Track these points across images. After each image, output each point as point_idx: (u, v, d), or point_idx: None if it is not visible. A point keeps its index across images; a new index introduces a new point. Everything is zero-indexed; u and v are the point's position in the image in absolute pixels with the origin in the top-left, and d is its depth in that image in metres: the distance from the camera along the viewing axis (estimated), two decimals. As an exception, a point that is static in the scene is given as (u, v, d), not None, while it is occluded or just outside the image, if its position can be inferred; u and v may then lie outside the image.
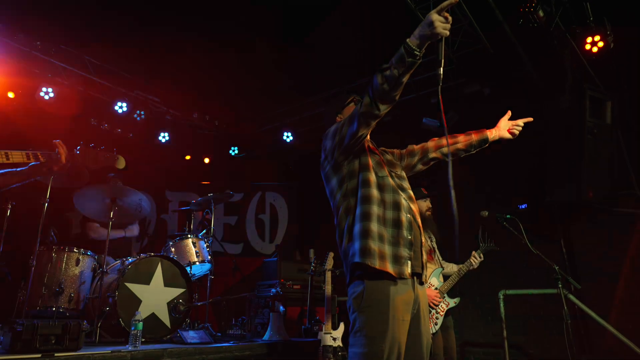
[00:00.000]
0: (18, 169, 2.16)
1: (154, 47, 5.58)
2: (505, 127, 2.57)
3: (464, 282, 4.60)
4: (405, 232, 2.03)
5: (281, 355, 3.46)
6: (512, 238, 3.85)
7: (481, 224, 4.26)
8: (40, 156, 2.18)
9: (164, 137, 6.79)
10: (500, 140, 2.57)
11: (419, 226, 2.14)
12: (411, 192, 2.25)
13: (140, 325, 2.92)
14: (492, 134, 2.54)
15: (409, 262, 2.01)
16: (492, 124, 6.01)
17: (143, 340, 3.01)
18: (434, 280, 3.91)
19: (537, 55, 4.79)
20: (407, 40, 1.79)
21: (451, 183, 1.71)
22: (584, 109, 4.58)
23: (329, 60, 5.80)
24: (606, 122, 4.68)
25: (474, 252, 3.99)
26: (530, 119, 2.64)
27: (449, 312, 3.92)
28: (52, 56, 5.41)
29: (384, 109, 1.93)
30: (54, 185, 3.75)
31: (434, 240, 4.15)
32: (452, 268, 4.03)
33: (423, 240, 2.15)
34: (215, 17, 5.21)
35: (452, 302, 3.90)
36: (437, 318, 3.77)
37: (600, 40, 4.05)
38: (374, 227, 2.00)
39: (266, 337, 3.71)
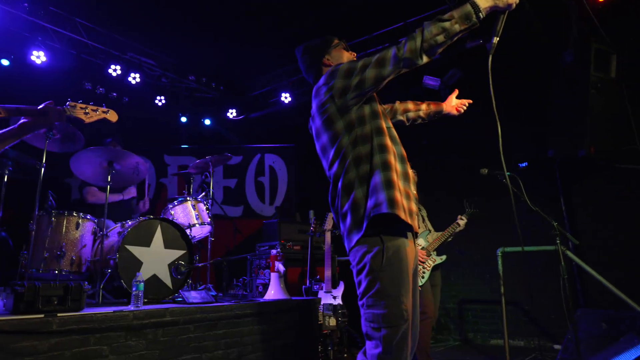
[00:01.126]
0: (7, 129, 2.14)
1: (147, 7, 5.42)
2: (453, 104, 2.62)
3: (463, 241, 4.64)
4: (412, 186, 2.00)
5: (282, 313, 3.52)
6: (512, 195, 3.85)
7: (467, 192, 4.32)
8: (29, 111, 2.16)
9: (160, 100, 6.71)
10: (448, 115, 2.61)
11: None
12: None
13: (142, 285, 2.95)
14: (444, 108, 2.58)
15: (416, 217, 1.99)
16: (495, 79, 5.89)
17: (145, 300, 3.05)
18: (421, 241, 4.02)
19: (542, 6, 4.63)
20: (477, 0, 1.77)
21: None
22: (588, 62, 4.47)
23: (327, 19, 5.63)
24: (610, 75, 4.57)
25: (459, 216, 4.08)
26: (470, 101, 2.76)
27: (437, 267, 4.01)
28: (41, 18, 5.26)
29: (424, 61, 1.85)
30: (50, 150, 3.72)
31: (422, 210, 4.21)
32: (437, 234, 4.13)
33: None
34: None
35: (439, 259, 4.01)
36: (424, 272, 3.88)
37: (607, -12, 3.89)
38: (395, 177, 1.90)
39: (267, 296, 3.77)
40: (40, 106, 2.20)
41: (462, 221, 4.07)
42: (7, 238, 4.34)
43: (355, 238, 1.89)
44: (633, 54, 4.69)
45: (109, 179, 3.76)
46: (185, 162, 6.67)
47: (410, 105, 2.51)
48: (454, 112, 2.59)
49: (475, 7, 1.78)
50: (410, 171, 2.05)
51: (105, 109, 2.58)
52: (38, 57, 5.41)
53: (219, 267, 4.89)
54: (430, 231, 4.11)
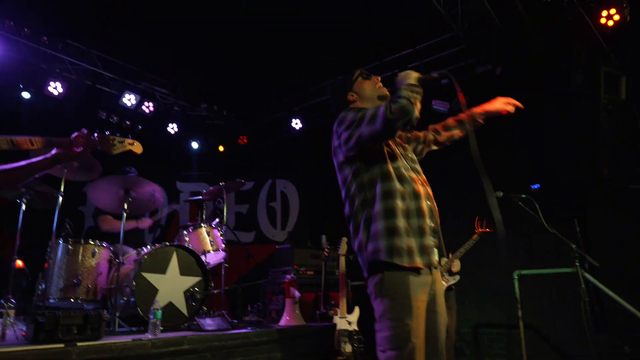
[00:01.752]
0: (39, 159, 2.16)
1: (160, 39, 5.57)
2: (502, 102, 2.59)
3: (477, 263, 4.60)
4: (428, 221, 2.02)
5: (297, 339, 3.49)
6: (527, 218, 3.83)
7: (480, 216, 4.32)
8: (56, 142, 2.18)
9: (172, 128, 6.81)
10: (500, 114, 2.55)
11: (436, 210, 2.12)
12: (423, 176, 2.22)
13: (159, 313, 2.95)
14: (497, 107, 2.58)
15: (435, 250, 2.02)
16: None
17: (162, 328, 3.05)
18: None
19: (549, 32, 4.70)
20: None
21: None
22: (598, 85, 4.50)
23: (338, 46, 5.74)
24: (621, 97, 4.59)
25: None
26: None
27: (450, 289, 3.97)
28: (59, 51, 5.42)
29: (416, 115, 1.99)
30: (67, 179, 3.78)
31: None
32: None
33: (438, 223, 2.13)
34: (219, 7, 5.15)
35: (452, 280, 3.96)
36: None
37: (616, 13, 3.95)
38: (400, 222, 1.96)
39: (282, 322, 3.74)
40: (73, 136, 2.20)
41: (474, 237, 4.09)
42: (24, 267, 4.36)
43: (366, 273, 2.04)
44: (640, 77, 4.72)
45: (125, 207, 3.79)
46: (196, 189, 6.72)
47: (449, 120, 2.54)
48: (509, 109, 2.57)
49: (411, 82, 2.04)
50: (425, 205, 2.05)
51: (131, 141, 2.58)
52: (55, 88, 5.54)
53: (234, 294, 4.87)
54: (442, 257, 4.09)
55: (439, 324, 2.01)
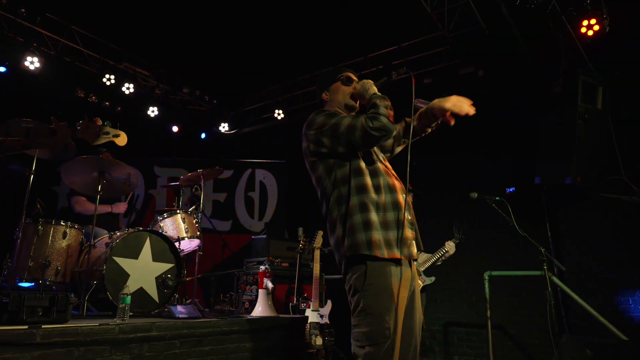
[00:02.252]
0: (16, 138, 2.09)
1: (143, 19, 5.45)
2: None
3: (450, 263, 4.67)
4: (406, 213, 2.04)
5: (268, 331, 3.49)
6: (499, 220, 3.91)
7: (456, 216, 4.38)
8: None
9: (152, 111, 6.69)
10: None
11: (411, 204, 2.15)
12: (394, 172, 2.26)
13: (129, 299, 2.91)
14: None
15: (414, 243, 2.05)
16: (486, 106, 6.00)
17: (131, 314, 3.00)
18: None
19: (532, 38, 4.78)
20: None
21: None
22: (576, 93, 4.59)
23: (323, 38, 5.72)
24: (597, 107, 4.70)
25: (447, 241, 4.13)
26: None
27: (424, 289, 4.04)
28: (37, 24, 5.25)
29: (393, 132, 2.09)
30: (39, 157, 3.69)
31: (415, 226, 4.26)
32: (424, 256, 4.16)
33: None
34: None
35: (428, 280, 4.03)
36: None
37: (596, 23, 4.04)
38: (374, 216, 1.98)
39: (254, 313, 3.73)
40: (52, 125, 2.11)
41: (449, 245, 4.10)
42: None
43: (344, 269, 2.05)
44: (617, 88, 4.84)
45: (99, 189, 3.71)
46: (175, 174, 6.62)
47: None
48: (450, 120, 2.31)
49: (375, 93, 2.15)
50: (401, 198, 2.08)
51: (117, 132, 2.44)
52: (32, 62, 5.38)
53: (207, 282, 4.84)
54: (420, 251, 4.15)
55: (415, 321, 2.04)
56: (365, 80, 2.23)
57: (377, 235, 1.95)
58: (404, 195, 2.10)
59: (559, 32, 4.40)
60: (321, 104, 2.39)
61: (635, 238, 4.81)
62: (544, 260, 3.32)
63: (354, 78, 2.35)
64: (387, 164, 2.28)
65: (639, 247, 4.77)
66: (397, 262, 1.97)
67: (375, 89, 2.16)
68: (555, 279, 4.27)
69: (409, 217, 2.07)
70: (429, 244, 4.34)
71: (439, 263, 4.11)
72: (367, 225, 1.96)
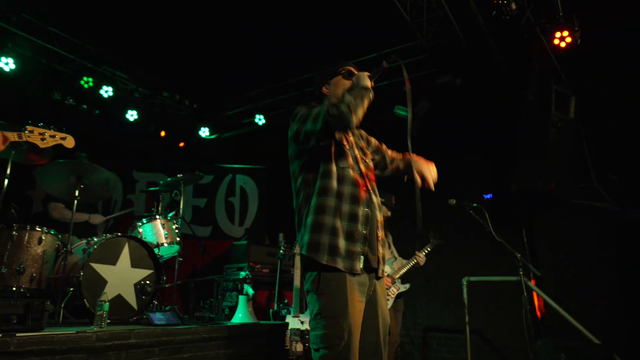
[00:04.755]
0: None
1: (122, 22, 5.39)
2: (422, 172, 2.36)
3: (429, 269, 4.74)
4: (360, 227, 2.03)
5: (248, 337, 3.48)
6: (477, 226, 3.99)
7: (435, 222, 4.45)
8: None
9: (132, 115, 6.61)
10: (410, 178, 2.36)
11: (377, 220, 2.11)
12: (374, 185, 2.23)
13: (106, 306, 2.87)
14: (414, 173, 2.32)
15: (361, 257, 2.00)
16: (463, 114, 6.13)
17: (109, 321, 2.96)
18: (387, 268, 4.06)
19: (507, 48, 4.91)
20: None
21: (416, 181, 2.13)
22: (549, 102, 4.72)
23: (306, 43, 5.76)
24: (569, 116, 4.85)
25: (417, 252, 4.18)
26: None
27: (400, 295, 4.08)
28: (12, 24, 5.14)
29: (354, 118, 2.01)
30: (14, 160, 3.60)
31: (389, 236, 4.32)
32: (401, 262, 4.20)
33: (380, 235, 2.12)
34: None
35: (403, 287, 4.08)
36: (387, 299, 3.92)
37: (568, 35, 4.18)
38: (328, 220, 1.99)
39: (234, 319, 3.71)
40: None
41: (420, 257, 4.15)
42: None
43: (302, 268, 2.07)
44: (589, 98, 5.00)
45: (77, 194, 3.65)
46: (154, 179, 6.54)
47: (394, 154, 2.52)
48: (420, 181, 2.32)
49: (365, 85, 2.07)
50: (361, 211, 2.05)
51: (63, 135, 2.58)
52: (6, 63, 5.26)
53: (186, 288, 4.79)
54: (395, 258, 4.19)
55: (378, 326, 2.04)
56: (360, 73, 2.15)
57: (324, 239, 1.96)
58: (367, 209, 2.07)
59: (533, 43, 4.53)
60: (320, 97, 2.36)
61: (605, 243, 4.97)
62: (519, 266, 3.39)
63: (356, 72, 2.26)
64: (370, 174, 2.24)
65: (608, 252, 4.92)
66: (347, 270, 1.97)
67: (367, 82, 2.08)
68: (531, 284, 4.37)
69: (364, 232, 2.03)
70: (407, 250, 4.40)
71: (412, 269, 4.17)
72: (317, 227, 1.98)
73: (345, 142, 2.19)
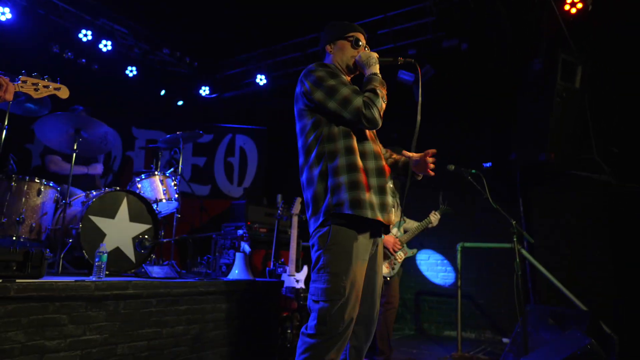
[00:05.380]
0: None
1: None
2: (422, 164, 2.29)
3: (425, 233, 4.79)
4: (388, 180, 2.12)
5: (244, 293, 3.55)
6: (475, 193, 4.01)
7: (441, 189, 4.43)
8: None
9: (131, 71, 6.51)
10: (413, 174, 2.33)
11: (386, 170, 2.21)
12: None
13: (105, 257, 2.91)
14: (414, 168, 2.31)
15: (393, 210, 2.13)
16: (466, 80, 6.01)
17: (107, 272, 3.01)
18: (394, 230, 4.06)
19: (516, 13, 4.78)
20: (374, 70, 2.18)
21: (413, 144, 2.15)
22: (555, 71, 4.65)
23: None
24: (575, 85, 4.78)
25: (433, 212, 4.17)
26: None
27: (405, 261, 4.11)
28: (8, -28, 5.00)
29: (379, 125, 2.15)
30: (13, 112, 3.57)
31: (397, 195, 4.28)
32: (412, 224, 4.19)
33: (391, 185, 2.22)
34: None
35: (410, 252, 4.09)
36: (394, 264, 3.95)
37: (579, 1, 4.06)
38: (361, 178, 2.02)
39: (230, 275, 3.78)
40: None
41: (434, 217, 4.13)
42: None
43: (313, 225, 2.09)
44: (596, 67, 4.91)
45: (75, 147, 3.64)
46: (153, 137, 6.52)
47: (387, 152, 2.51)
48: (427, 173, 2.29)
49: (379, 75, 2.18)
50: (386, 165, 2.17)
51: (57, 85, 2.56)
52: (3, 13, 5.14)
53: (184, 245, 4.85)
54: (404, 220, 4.19)
55: (376, 283, 2.16)
56: (370, 53, 2.22)
57: (363, 196, 1.99)
58: (383, 163, 2.18)
59: (543, 9, 4.41)
60: (322, 54, 2.37)
61: (598, 214, 5.00)
62: (514, 233, 3.42)
63: (363, 41, 2.32)
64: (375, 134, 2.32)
65: (601, 224, 4.97)
66: (369, 225, 2.04)
67: (377, 68, 2.18)
68: (524, 251, 4.44)
69: (392, 185, 2.16)
70: (409, 212, 4.41)
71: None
72: (354, 185, 2.00)
73: None
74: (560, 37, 4.77)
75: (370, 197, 2.02)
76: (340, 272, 1.95)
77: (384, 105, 2.11)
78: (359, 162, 2.05)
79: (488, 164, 5.89)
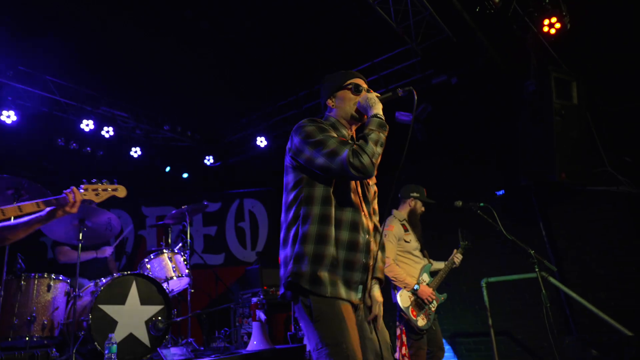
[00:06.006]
0: (35, 216, 2.20)
1: (116, 61, 5.48)
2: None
3: (449, 273, 4.61)
4: (361, 256, 1.95)
5: (265, 364, 3.41)
6: (490, 226, 3.87)
7: (460, 224, 4.30)
8: (53, 202, 2.22)
9: (135, 152, 6.67)
10: None
11: (371, 248, 2.02)
12: (375, 206, 2.16)
13: (114, 347, 2.84)
14: None
15: (361, 287, 1.94)
16: (462, 112, 5.97)
17: (121, 362, 2.93)
18: (425, 276, 3.96)
19: (499, 41, 4.82)
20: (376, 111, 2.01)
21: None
22: (550, 91, 4.61)
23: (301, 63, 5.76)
24: (573, 102, 4.72)
25: (455, 251, 4.03)
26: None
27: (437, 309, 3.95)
28: (10, 79, 5.26)
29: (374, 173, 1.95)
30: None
31: (420, 240, 4.18)
32: (439, 265, 4.05)
33: (371, 263, 2.03)
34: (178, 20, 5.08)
35: (442, 298, 3.94)
36: (429, 314, 3.79)
37: (557, 21, 4.08)
38: (328, 251, 1.88)
39: (249, 347, 3.64)
40: (62, 196, 2.25)
41: (457, 258, 4.04)
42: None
43: (283, 290, 1.94)
44: (591, 81, 4.87)
45: (80, 237, 3.66)
46: (163, 213, 6.57)
47: None
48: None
49: (379, 116, 1.99)
50: (361, 239, 1.97)
51: (115, 187, 2.63)
52: (8, 116, 5.37)
53: (202, 319, 4.75)
54: (431, 264, 4.06)
55: (375, 348, 1.96)
56: (370, 95, 2.06)
57: (323, 272, 1.86)
58: (367, 236, 2.00)
59: (525, 33, 4.44)
60: (324, 110, 2.26)
61: (624, 228, 4.78)
62: (534, 262, 3.26)
63: (363, 85, 2.18)
64: (369, 196, 2.15)
65: (629, 237, 4.73)
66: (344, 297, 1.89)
67: (378, 108, 2.01)
68: (552, 279, 4.21)
69: (364, 260, 1.96)
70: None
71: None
72: (318, 259, 1.87)
73: None
74: (549, 56, 4.77)
75: (334, 272, 1.88)
76: (338, 341, 1.80)
77: (379, 150, 1.91)
78: (331, 233, 1.90)
79: (501, 192, 5.74)
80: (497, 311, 4.81)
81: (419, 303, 3.77)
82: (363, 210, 2.04)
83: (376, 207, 2.18)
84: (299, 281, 1.85)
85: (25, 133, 5.63)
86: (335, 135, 2.02)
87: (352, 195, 2.01)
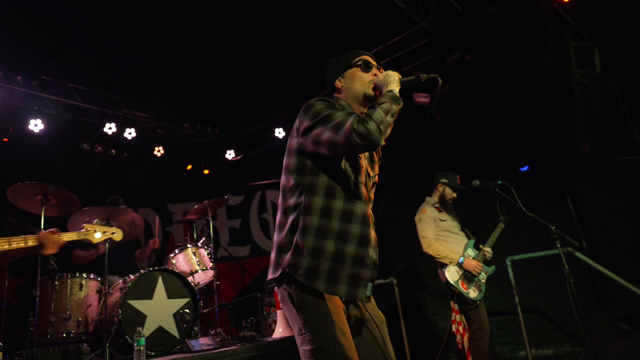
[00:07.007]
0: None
1: (133, 63, 5.60)
2: None
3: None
4: (371, 251, 1.84)
5: (289, 351, 3.47)
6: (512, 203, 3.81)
7: (497, 197, 4.24)
8: (39, 239, 2.34)
9: (158, 151, 6.84)
10: None
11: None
12: (371, 194, 2.04)
13: (143, 340, 2.96)
14: None
15: (369, 285, 1.83)
16: (479, 89, 5.85)
17: (153, 353, 3.07)
18: (469, 251, 4.08)
19: (512, 12, 4.67)
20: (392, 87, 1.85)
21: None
22: (569, 60, 4.45)
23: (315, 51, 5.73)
24: (595, 70, 4.53)
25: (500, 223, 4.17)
26: None
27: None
28: (34, 89, 5.46)
29: (382, 143, 1.78)
30: (48, 215, 3.82)
31: (457, 219, 4.36)
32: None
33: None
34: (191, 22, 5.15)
35: (490, 270, 4.09)
36: (480, 286, 3.97)
37: (570, -13, 3.92)
38: (330, 246, 1.77)
39: (275, 334, 3.73)
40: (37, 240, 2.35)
41: (501, 227, 4.20)
42: (16, 306, 4.39)
43: (272, 274, 1.86)
44: (615, 46, 4.66)
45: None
46: (188, 209, 6.72)
47: None
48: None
49: (394, 92, 1.83)
50: (372, 233, 1.86)
51: (113, 230, 2.79)
52: (36, 125, 5.59)
53: (230, 310, 4.87)
54: (474, 239, 4.16)
55: (375, 343, 1.87)
56: (391, 73, 1.90)
57: (325, 265, 1.75)
58: (374, 231, 1.88)
59: (539, 1, 4.28)
60: (332, 93, 2.09)
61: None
62: (555, 238, 3.19)
63: (373, 62, 2.04)
64: (369, 182, 2.01)
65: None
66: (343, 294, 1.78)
67: (395, 86, 1.84)
68: (578, 253, 4.10)
69: (374, 257, 1.85)
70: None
71: None
72: (317, 252, 1.76)
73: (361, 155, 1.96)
74: (566, 24, 4.59)
75: (339, 267, 1.77)
76: (319, 327, 1.71)
77: (388, 120, 1.73)
78: (333, 227, 1.78)
79: (525, 168, 5.60)
80: (525, 288, 4.73)
81: (468, 276, 3.93)
82: (370, 203, 1.95)
83: (372, 196, 2.06)
84: (296, 274, 1.75)
85: (52, 140, 5.85)
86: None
87: (362, 187, 1.90)
